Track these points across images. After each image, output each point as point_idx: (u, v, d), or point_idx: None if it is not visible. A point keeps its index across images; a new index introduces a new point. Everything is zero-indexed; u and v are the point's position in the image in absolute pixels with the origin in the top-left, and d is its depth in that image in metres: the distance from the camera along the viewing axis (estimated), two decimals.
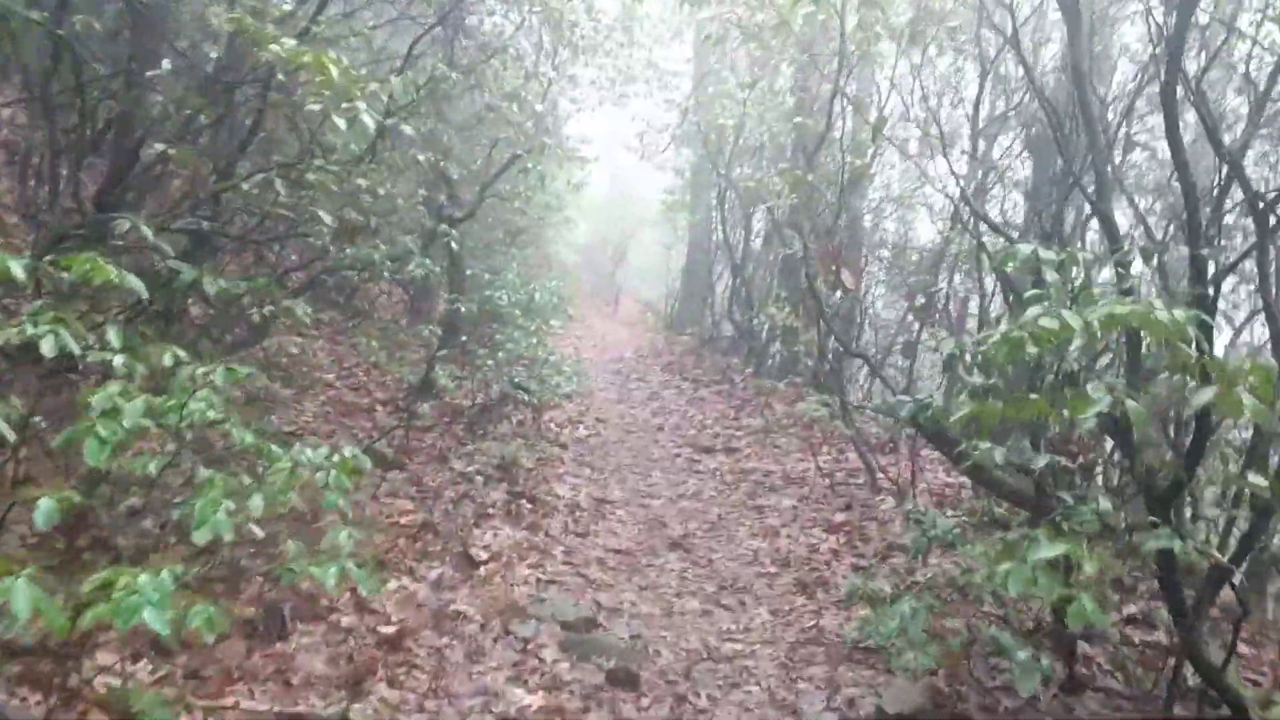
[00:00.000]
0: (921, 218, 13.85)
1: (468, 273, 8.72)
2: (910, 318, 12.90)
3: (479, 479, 7.12)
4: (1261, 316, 6.21)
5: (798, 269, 13.09)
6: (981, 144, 10.30)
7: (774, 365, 14.43)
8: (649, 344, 18.42)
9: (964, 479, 7.85)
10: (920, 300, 11.94)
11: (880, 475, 7.84)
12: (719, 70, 14.43)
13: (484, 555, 5.67)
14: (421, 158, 8.22)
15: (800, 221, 11.29)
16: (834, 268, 7.84)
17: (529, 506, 6.83)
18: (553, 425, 9.81)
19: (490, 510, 6.48)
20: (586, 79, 13.75)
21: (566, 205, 19.64)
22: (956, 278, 11.93)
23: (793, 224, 11.91)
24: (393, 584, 4.98)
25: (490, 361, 7.97)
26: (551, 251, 23.03)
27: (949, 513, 6.88)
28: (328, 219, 5.56)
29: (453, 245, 7.16)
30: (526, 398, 7.87)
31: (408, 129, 5.95)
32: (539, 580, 5.54)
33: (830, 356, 8.92)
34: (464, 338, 8.32)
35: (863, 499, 7.59)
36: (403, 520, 5.94)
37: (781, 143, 13.80)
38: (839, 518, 7.12)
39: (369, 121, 4.63)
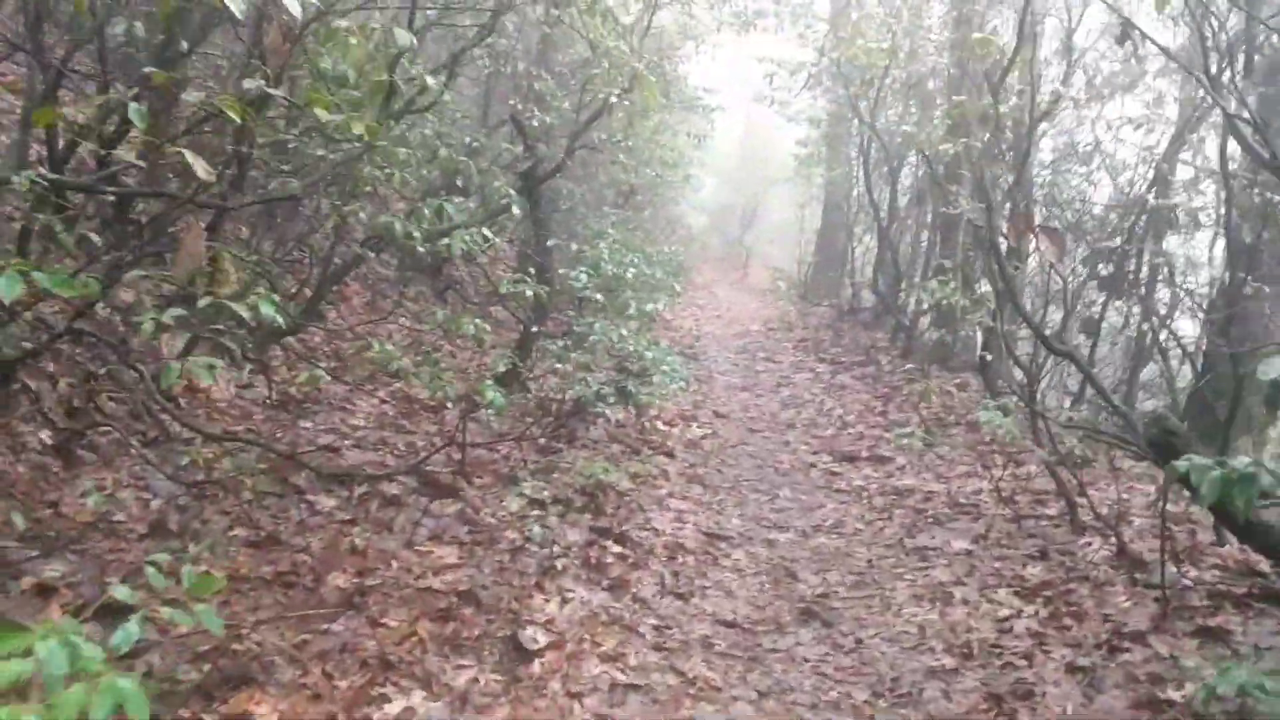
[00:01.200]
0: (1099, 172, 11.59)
1: (550, 242, 7.09)
2: (1088, 287, 10.77)
3: (554, 510, 5.54)
4: None
5: (958, 233, 11.08)
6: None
7: (925, 344, 12.44)
8: (779, 316, 16.55)
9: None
10: (1107, 268, 9.85)
11: (1081, 503, 5.93)
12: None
13: (541, 640, 4.07)
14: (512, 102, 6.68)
15: (966, 174, 9.30)
16: (1027, 234, 5.90)
17: (615, 551, 5.21)
18: (660, 424, 8.16)
19: (561, 560, 4.88)
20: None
21: (689, 162, 17.88)
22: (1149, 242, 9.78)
23: (956, 177, 9.89)
24: (396, 704, 3.43)
25: (571, 356, 6.34)
26: (675, 213, 21.30)
27: (1190, 571, 4.96)
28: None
29: (514, 209, 5.55)
30: (607, 411, 6.21)
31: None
32: (614, 684, 3.91)
33: (1005, 346, 6.99)
34: (534, 328, 6.75)
35: (1061, 542, 5.69)
36: (438, 583, 4.39)
37: (930, 89, 11.70)
38: (1033, 573, 5.25)
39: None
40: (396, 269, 10.10)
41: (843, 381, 10.88)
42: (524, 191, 7.37)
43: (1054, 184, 11.16)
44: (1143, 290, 9.73)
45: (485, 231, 5.15)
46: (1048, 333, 8.85)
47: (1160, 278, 10.06)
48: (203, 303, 3.61)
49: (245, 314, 3.88)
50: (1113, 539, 5.40)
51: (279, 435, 5.83)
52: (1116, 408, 5.94)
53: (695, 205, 26.18)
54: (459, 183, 9.26)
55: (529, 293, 5.78)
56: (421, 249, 4.67)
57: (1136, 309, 9.95)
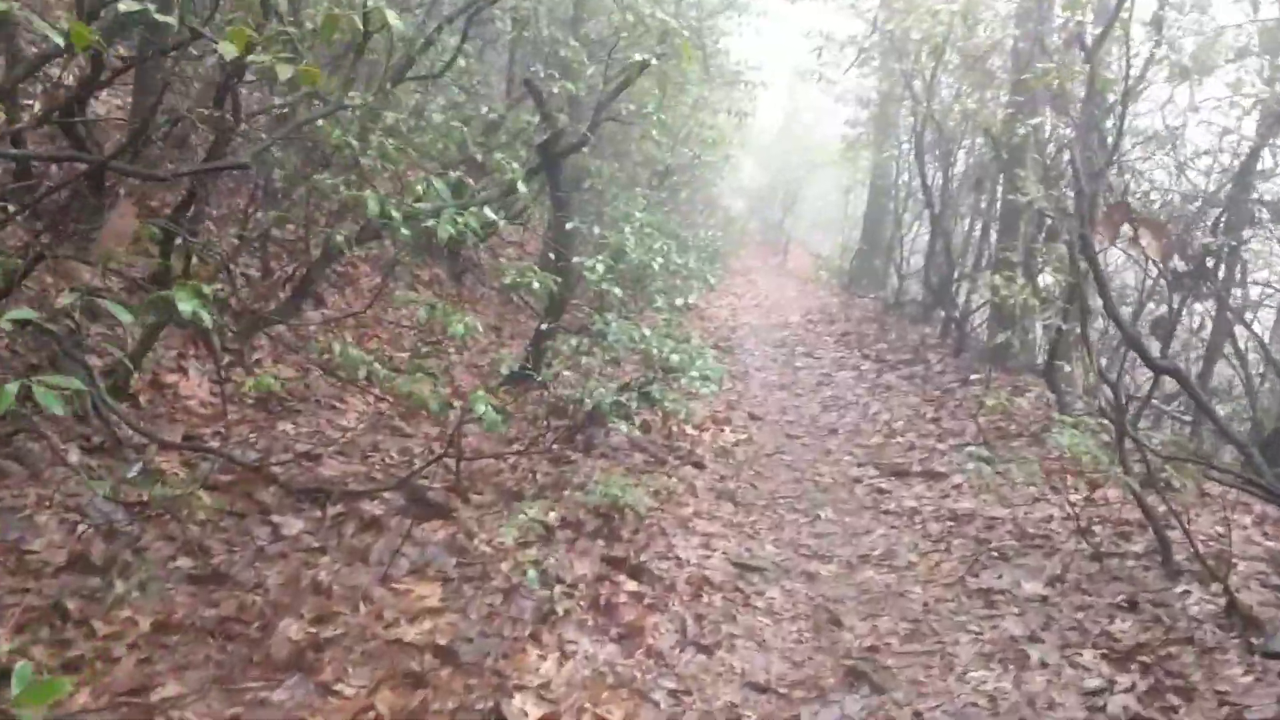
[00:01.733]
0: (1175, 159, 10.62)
1: (569, 225, 6.31)
2: (1160, 283, 9.87)
3: (562, 536, 4.80)
4: None
5: (1020, 223, 10.19)
6: None
7: (979, 342, 11.57)
8: (821, 307, 15.72)
9: None
10: (1183, 264, 8.95)
11: (1173, 536, 5.10)
12: None
13: (531, 712, 3.34)
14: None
15: (1035, 158, 8.42)
16: (1123, 227, 5.04)
17: (630, 589, 4.46)
18: (689, 428, 7.39)
19: (564, 604, 4.13)
20: None
21: (729, 142, 17.03)
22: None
23: (1021, 161, 8.99)
24: None
25: (584, 360, 5.57)
26: (713, 195, 20.44)
27: None
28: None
29: (520, 187, 4.78)
30: (623, 428, 5.42)
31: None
32: None
33: (1089, 354, 6.13)
34: (549, 324, 6.01)
35: (1153, 589, 4.86)
36: (412, 633, 3.66)
37: (991, 66, 10.77)
38: (1124, 629, 4.43)
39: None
40: (410, 250, 9.39)
41: (889, 382, 10.04)
42: (543, 168, 6.61)
43: (1133, 170, 10.24)
44: (1220, 288, 8.81)
45: (489, 212, 4.38)
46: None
47: (1240, 275, 9.15)
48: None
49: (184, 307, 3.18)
50: (1216, 587, 4.58)
51: (252, 439, 5.13)
52: (1241, 444, 5.10)
53: (735, 187, 25.30)
54: (479, 158, 8.51)
55: (535, 284, 5.01)
56: (405, 231, 3.92)
57: (1212, 307, 9.03)
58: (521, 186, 4.85)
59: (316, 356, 6.21)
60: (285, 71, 2.56)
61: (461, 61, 7.20)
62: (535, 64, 7.79)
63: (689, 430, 7.31)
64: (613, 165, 11.61)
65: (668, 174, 13.11)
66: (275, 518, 4.37)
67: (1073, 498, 6.21)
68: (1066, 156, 9.79)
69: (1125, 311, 9.85)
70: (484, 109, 7.44)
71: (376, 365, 4.55)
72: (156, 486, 3.81)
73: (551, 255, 6.86)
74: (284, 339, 6.45)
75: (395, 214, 3.76)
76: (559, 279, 5.63)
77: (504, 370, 6.12)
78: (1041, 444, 7.39)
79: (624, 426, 5.25)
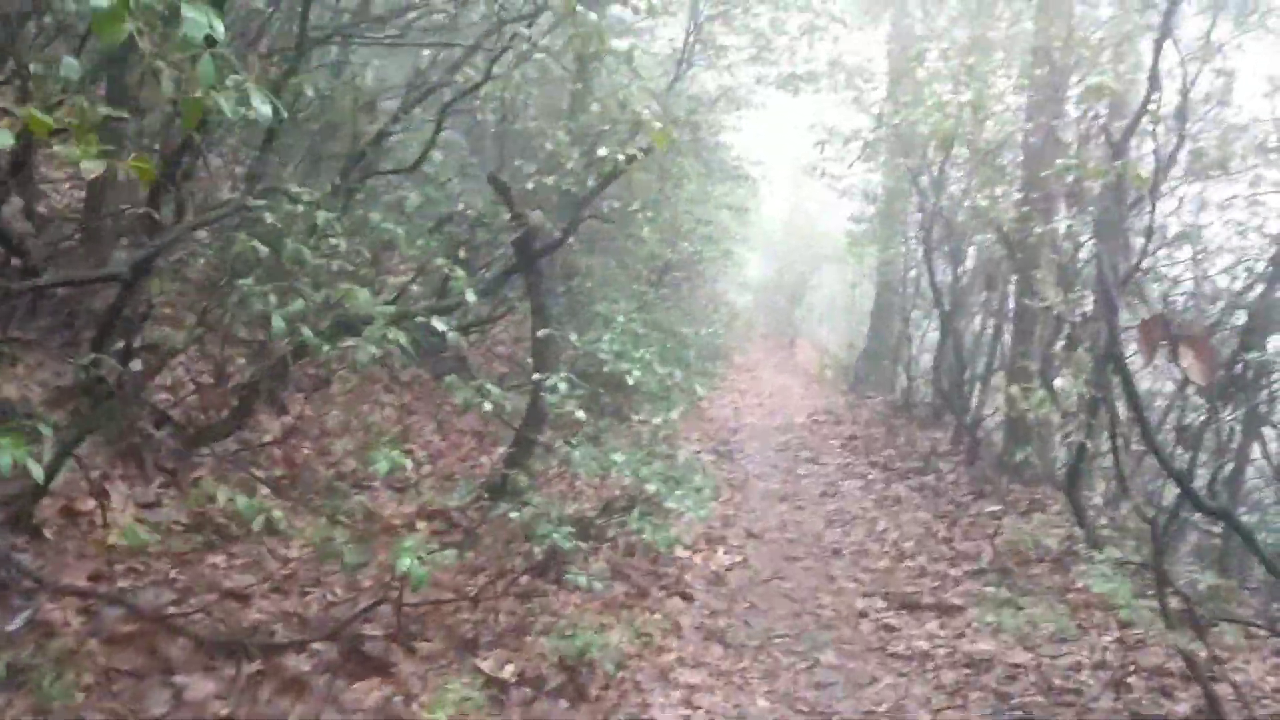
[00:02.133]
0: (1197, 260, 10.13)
1: (541, 333, 5.77)
2: (1186, 391, 9.31)
3: (518, 695, 4.16)
4: None
5: (1038, 327, 9.66)
6: None
7: (991, 448, 10.95)
8: (826, 407, 15.14)
9: None
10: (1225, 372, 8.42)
11: (1224, 693, 4.42)
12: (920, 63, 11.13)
13: None
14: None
15: (1052, 258, 7.93)
16: (1161, 344, 4.47)
17: None
18: (679, 548, 6.75)
19: None
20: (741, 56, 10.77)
21: (731, 237, 16.69)
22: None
23: (1035, 261, 8.49)
24: None
25: (534, 501, 4.93)
26: (715, 291, 20.05)
27: None
28: None
29: (469, 296, 4.25)
30: (581, 580, 4.78)
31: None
32: None
33: (1122, 484, 5.54)
34: (507, 449, 5.44)
35: None
36: None
37: (1002, 162, 10.38)
38: None
39: None
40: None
41: (898, 493, 9.40)
42: (520, 268, 6.12)
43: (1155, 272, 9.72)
44: (1251, 395, 8.23)
45: (438, 323, 3.85)
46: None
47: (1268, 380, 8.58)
48: None
49: None
50: None
51: (174, 577, 4.53)
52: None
53: (739, 282, 24.96)
54: (460, 254, 8.02)
55: (487, 406, 4.46)
56: (327, 348, 3.39)
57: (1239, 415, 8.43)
58: (470, 296, 4.33)
59: (265, 475, 5.64)
60: (92, 165, 2.05)
61: (437, 155, 6.78)
62: (519, 159, 7.39)
63: (679, 551, 6.67)
64: (606, 262, 11.18)
65: (667, 270, 12.67)
66: (180, 678, 3.75)
67: (1104, 640, 5.55)
68: (1083, 256, 9.32)
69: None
70: (461, 205, 6.99)
71: (277, 512, 3.94)
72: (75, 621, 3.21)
73: (530, 361, 6.33)
74: (234, 454, 5.89)
75: (306, 332, 3.23)
76: (505, 398, 5.06)
77: (454, 500, 5.53)
78: (1064, 571, 6.74)
79: (583, 579, 4.61)
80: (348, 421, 7.27)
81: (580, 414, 4.95)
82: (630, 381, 5.80)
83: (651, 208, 8.68)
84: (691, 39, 11.08)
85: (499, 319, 7.44)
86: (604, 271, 10.02)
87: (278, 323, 3.17)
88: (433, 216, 7.81)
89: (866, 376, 16.47)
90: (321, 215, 3.57)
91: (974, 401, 11.65)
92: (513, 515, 4.67)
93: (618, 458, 5.00)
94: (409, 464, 3.74)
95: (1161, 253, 10.10)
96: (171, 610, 4.05)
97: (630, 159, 5.66)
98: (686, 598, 5.96)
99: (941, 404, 13.20)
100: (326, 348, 3.37)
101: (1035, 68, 9.40)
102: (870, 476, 10.23)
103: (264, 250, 3.50)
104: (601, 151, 5.48)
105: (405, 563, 3.30)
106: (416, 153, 6.65)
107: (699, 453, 10.77)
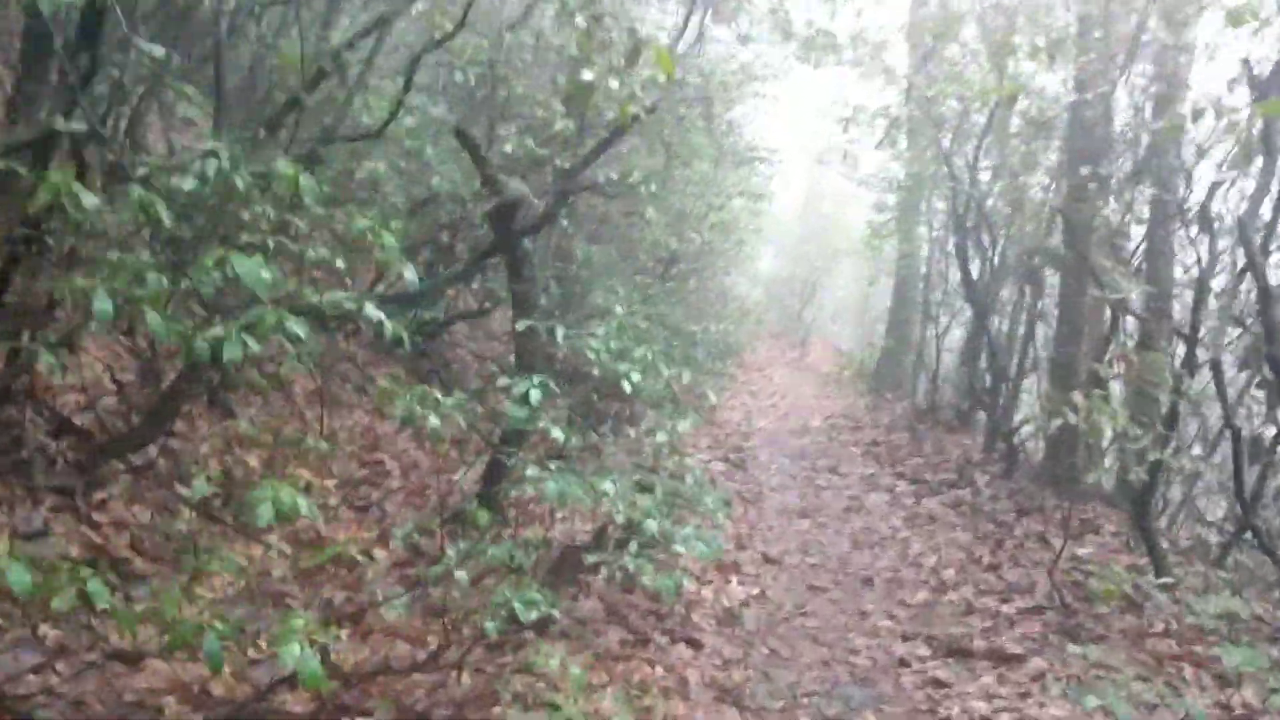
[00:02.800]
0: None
1: (521, 325, 4.80)
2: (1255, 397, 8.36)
3: None
4: None
5: (1082, 323, 8.68)
6: None
7: (1029, 459, 9.98)
8: (844, 410, 14.16)
9: None
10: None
11: None
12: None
13: None
14: None
15: (1113, 244, 6.95)
16: None
17: None
18: (686, 579, 5.78)
19: None
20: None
21: (744, 227, 15.72)
22: None
23: (1084, 249, 7.51)
24: None
25: (488, 551, 3.92)
26: (726, 284, 19.05)
27: None
28: None
29: (407, 274, 3.29)
30: (552, 666, 3.78)
31: None
32: None
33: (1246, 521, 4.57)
34: (460, 475, 4.48)
35: None
36: None
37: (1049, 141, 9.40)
38: None
39: None
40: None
41: (931, 510, 8.42)
42: (500, 249, 5.17)
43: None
44: None
45: (372, 309, 2.88)
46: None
47: None
48: None
49: None
50: None
51: (46, 632, 3.58)
52: None
53: (751, 276, 23.96)
54: (445, 238, 7.11)
55: (433, 421, 3.51)
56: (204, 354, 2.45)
57: None
58: (409, 274, 3.36)
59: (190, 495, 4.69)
60: None
61: (409, 119, 5.82)
62: (508, 125, 6.44)
63: (686, 583, 5.70)
64: (608, 251, 10.22)
65: (674, 261, 11.70)
66: None
67: (1201, 702, 4.58)
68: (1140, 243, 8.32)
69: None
70: (436, 179, 6.04)
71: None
72: None
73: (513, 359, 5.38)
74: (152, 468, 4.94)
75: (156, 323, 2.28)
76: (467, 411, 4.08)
77: (398, 536, 4.57)
78: (1136, 610, 5.76)
79: (554, 662, 3.62)
80: (303, 429, 6.33)
81: (557, 432, 3.98)
82: (628, 388, 4.82)
83: (656, 183, 7.68)
84: (703, 8, 10.11)
85: (477, 314, 6.47)
86: (604, 259, 9.06)
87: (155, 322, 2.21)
88: (409, 196, 6.86)
89: (881, 377, 15.47)
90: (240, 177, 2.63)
91: (1010, 406, 10.69)
92: (458, 575, 3.68)
93: (608, 487, 4.02)
94: (306, 508, 2.76)
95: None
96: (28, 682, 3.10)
97: (633, 118, 4.68)
98: (694, 645, 4.99)
99: (969, 408, 12.22)
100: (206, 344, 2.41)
101: (1083, 36, 8.43)
102: (897, 489, 9.25)
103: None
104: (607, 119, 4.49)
105: (290, 657, 2.33)
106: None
107: (709, 462, 9.82)
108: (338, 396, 7.38)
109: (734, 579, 6.24)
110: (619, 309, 8.19)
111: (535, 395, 3.97)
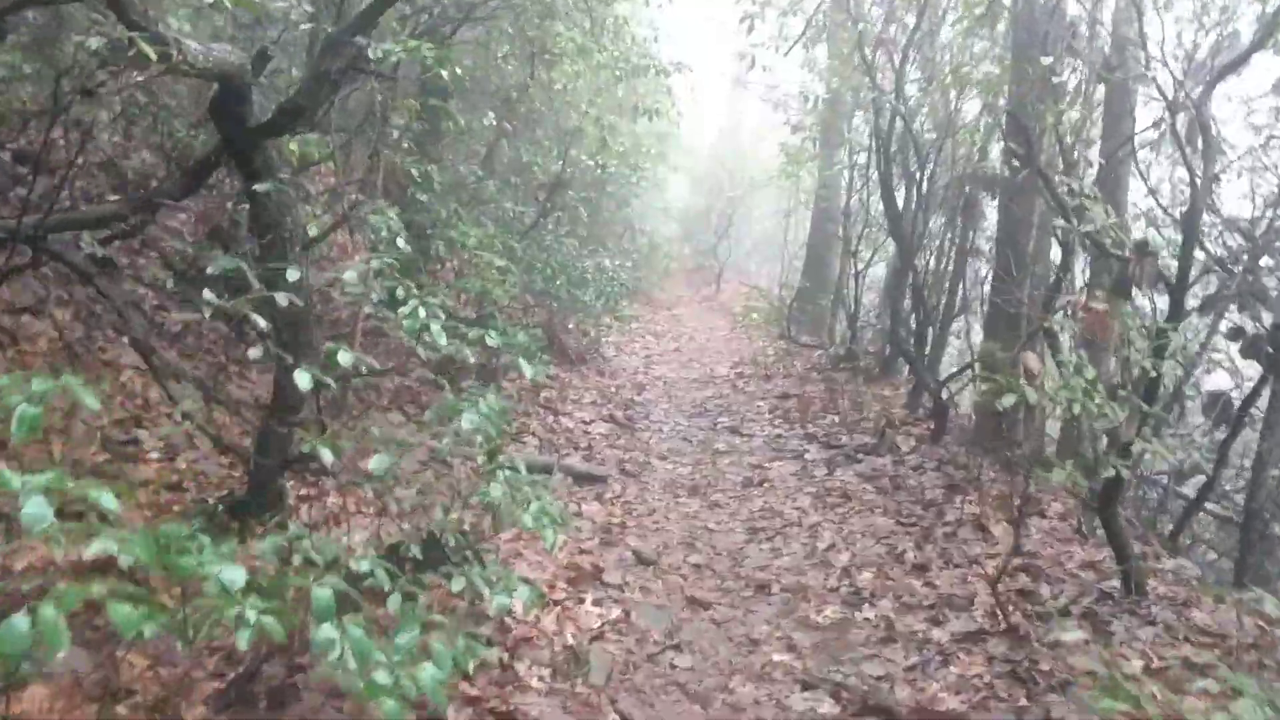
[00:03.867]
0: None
1: (278, 267, 3.21)
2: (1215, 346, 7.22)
3: None
4: None
5: (1024, 259, 7.36)
6: None
7: (959, 418, 8.73)
8: (754, 355, 12.77)
9: None
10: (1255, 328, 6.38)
11: None
12: None
13: None
14: None
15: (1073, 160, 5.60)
16: None
17: None
18: (520, 602, 4.28)
19: None
20: None
21: (645, 152, 14.12)
22: None
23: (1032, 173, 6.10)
24: None
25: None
26: (629, 215, 17.46)
27: None
28: None
29: None
30: None
31: None
32: None
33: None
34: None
35: None
36: None
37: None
38: None
39: None
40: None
41: (845, 484, 7.07)
42: (228, 150, 3.55)
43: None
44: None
45: None
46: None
47: None
48: None
49: None
50: None
51: None
52: None
53: (662, 208, 22.38)
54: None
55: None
56: None
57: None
58: None
59: None
60: None
61: None
62: None
63: (512, 615, 4.21)
64: (472, 171, 8.55)
65: (557, 187, 10.08)
66: None
67: None
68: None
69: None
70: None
71: None
72: None
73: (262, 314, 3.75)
74: None
75: None
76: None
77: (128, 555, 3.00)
78: (1103, 630, 4.46)
79: None
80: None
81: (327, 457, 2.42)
82: (460, 354, 3.28)
83: (515, 88, 6.02)
84: None
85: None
86: (454, 181, 7.40)
87: None
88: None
89: (800, 319, 14.11)
90: None
91: (935, 355, 9.41)
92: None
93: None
94: None
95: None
96: None
97: None
98: None
99: (892, 356, 10.94)
100: None
101: None
102: (807, 456, 7.88)
103: None
104: None
105: None
106: None
107: (590, 422, 8.34)
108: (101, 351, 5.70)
109: (589, 597, 4.77)
110: (473, 238, 6.63)
111: (304, 378, 2.49)
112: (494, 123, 7.24)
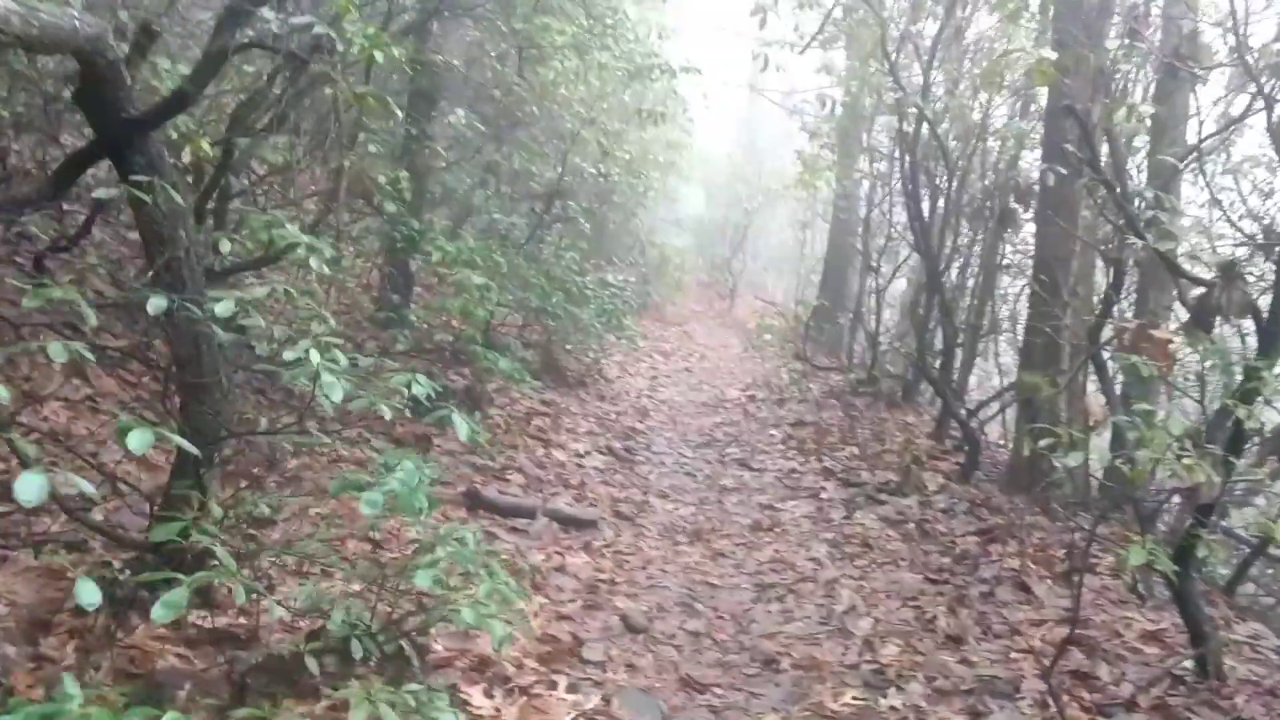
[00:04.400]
0: None
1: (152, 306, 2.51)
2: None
3: None
4: None
5: (1065, 275, 6.61)
6: None
7: (990, 450, 7.98)
8: (767, 376, 12.01)
9: None
10: None
11: None
12: None
13: None
14: None
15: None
16: None
17: None
18: (487, 668, 3.54)
19: None
20: None
21: (651, 160, 13.42)
22: None
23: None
24: None
25: None
26: (641, 227, 16.75)
27: None
28: None
29: None
30: None
31: None
32: None
33: None
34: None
35: None
36: None
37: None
38: None
39: None
40: None
41: (866, 528, 6.30)
42: (103, 150, 2.86)
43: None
44: None
45: None
46: None
47: None
48: None
49: None
50: None
51: None
52: None
53: (673, 220, 21.65)
54: None
55: None
56: None
57: None
58: None
59: None
60: None
61: None
62: None
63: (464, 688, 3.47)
64: (459, 178, 7.86)
65: (555, 196, 9.38)
66: None
67: None
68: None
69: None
70: None
71: None
72: None
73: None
74: None
75: None
76: None
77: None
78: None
79: None
80: None
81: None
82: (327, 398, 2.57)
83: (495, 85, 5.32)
84: None
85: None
86: (445, 190, 6.69)
87: None
88: None
89: (817, 339, 13.33)
90: None
91: (961, 379, 8.66)
92: None
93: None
94: None
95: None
96: None
97: None
98: None
99: (914, 380, 10.17)
100: None
101: None
102: (824, 493, 7.12)
103: None
104: None
105: None
106: None
107: (585, 454, 7.61)
108: None
109: (565, 676, 4.03)
110: (445, 248, 5.93)
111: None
112: (465, 121, 6.54)
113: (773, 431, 9.16)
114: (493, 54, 7.84)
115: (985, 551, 5.73)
